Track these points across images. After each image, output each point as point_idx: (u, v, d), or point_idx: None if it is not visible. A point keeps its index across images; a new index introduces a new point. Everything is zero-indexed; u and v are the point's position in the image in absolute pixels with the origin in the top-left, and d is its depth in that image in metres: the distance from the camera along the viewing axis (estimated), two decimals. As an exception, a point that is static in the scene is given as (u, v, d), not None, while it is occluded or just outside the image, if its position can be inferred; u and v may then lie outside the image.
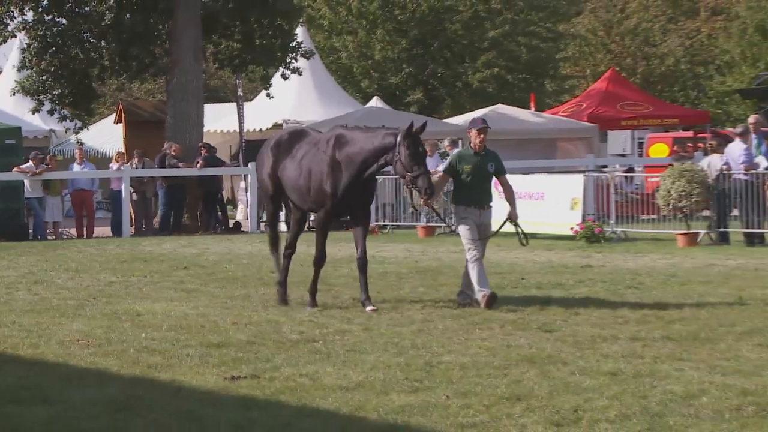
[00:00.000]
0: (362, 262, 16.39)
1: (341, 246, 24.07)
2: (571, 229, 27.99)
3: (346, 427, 9.44)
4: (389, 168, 16.47)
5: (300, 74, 39.50)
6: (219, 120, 43.11)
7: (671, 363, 11.81)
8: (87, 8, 36.55)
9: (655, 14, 62.73)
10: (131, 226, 34.92)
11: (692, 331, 13.82)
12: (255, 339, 13.77)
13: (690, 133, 43.98)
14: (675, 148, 39.37)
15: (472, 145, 16.37)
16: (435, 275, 20.93)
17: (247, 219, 36.71)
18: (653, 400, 10.10)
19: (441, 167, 32.00)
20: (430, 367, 11.87)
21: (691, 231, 26.87)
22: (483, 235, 16.37)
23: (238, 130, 40.08)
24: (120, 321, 15.43)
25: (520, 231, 16.81)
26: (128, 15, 36.16)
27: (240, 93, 40.76)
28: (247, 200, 37.18)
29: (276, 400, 10.57)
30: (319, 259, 16.86)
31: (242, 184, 38.09)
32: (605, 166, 36.41)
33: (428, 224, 32.25)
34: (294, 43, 38.89)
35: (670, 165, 29.41)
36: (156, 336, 14.12)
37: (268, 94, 39.80)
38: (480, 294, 15.89)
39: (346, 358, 12.48)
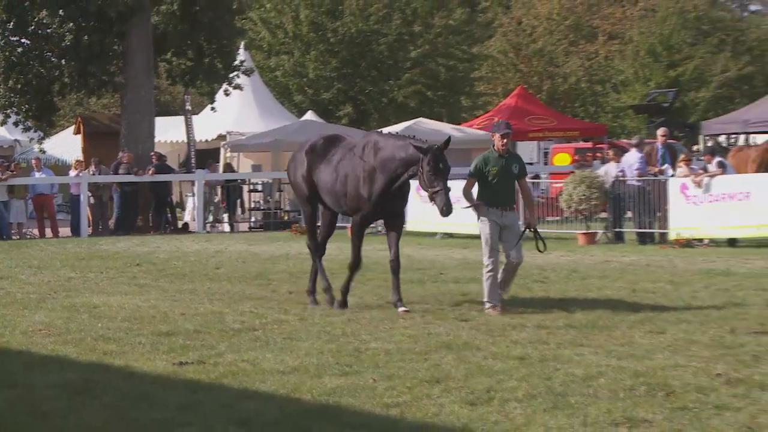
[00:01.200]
0: (395, 264, 15.34)
1: (278, 244, 23.69)
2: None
3: (283, 408, 9.40)
4: None
5: (241, 90, 39.48)
6: (169, 131, 42.97)
7: (573, 348, 11.87)
8: (48, 30, 36.42)
9: (558, 38, 63.08)
10: (89, 227, 34.83)
11: (591, 319, 13.89)
12: (201, 328, 13.72)
13: (589, 144, 44.27)
14: (576, 157, 39.65)
15: (495, 148, 15.30)
16: (363, 271, 20.79)
17: (194, 220, 36.68)
18: (557, 381, 10.14)
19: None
20: (358, 353, 11.87)
21: (590, 231, 27.07)
22: (508, 237, 15.16)
23: (186, 141, 40.00)
24: (78, 312, 15.32)
25: (538, 238, 15.58)
26: (86, 36, 36.06)
27: (188, 107, 40.72)
28: (194, 203, 37.12)
29: (220, 383, 10.53)
30: (355, 264, 15.85)
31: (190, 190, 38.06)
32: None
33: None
34: (236, 62, 38.89)
35: (572, 172, 29.59)
36: (111, 326, 14.04)
37: (212, 108, 39.73)
38: (488, 305, 14.89)
39: (283, 345, 12.45)
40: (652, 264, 21.17)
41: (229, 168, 39.85)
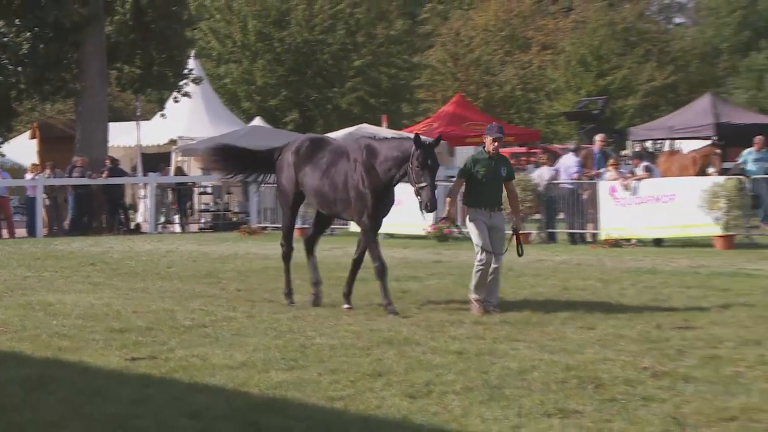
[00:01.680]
0: (358, 262, 15.30)
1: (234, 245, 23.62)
2: (424, 230, 28.14)
3: (231, 401, 9.38)
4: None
5: (190, 97, 39.40)
6: (121, 136, 42.77)
7: (508, 343, 11.90)
8: (6, 39, 36.21)
9: (494, 48, 63.36)
10: (44, 228, 34.58)
11: (525, 316, 13.93)
12: (153, 325, 13.63)
13: (524, 149, 44.45)
14: (511, 162, 39.73)
15: (486, 149, 14.84)
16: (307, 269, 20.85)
17: (146, 221, 36.54)
18: (493, 374, 10.16)
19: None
20: (304, 348, 11.85)
21: (524, 231, 27.13)
22: (494, 239, 14.58)
23: (137, 145, 39.94)
24: (34, 310, 15.18)
25: (519, 242, 14.95)
26: (42, 45, 35.91)
27: (139, 113, 40.68)
28: (146, 205, 36.99)
29: (171, 377, 10.48)
30: (380, 269, 14.80)
31: (142, 192, 37.91)
32: (453, 176, 36.52)
33: (304, 226, 32.19)
34: (186, 71, 38.82)
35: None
36: (66, 323, 13.92)
37: (162, 115, 39.64)
38: (473, 297, 14.46)
39: (231, 341, 12.41)
40: (582, 263, 21.28)
41: (180, 172, 39.75)
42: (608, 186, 26.14)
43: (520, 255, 14.98)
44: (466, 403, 9.10)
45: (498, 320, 13.60)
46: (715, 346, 11.49)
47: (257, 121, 43.74)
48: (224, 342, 12.35)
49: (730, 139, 38.10)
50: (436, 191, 14.48)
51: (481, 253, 14.49)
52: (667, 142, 44.46)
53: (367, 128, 41.60)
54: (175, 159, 40.82)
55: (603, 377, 9.97)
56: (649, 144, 46.99)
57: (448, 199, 15.34)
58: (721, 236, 24.04)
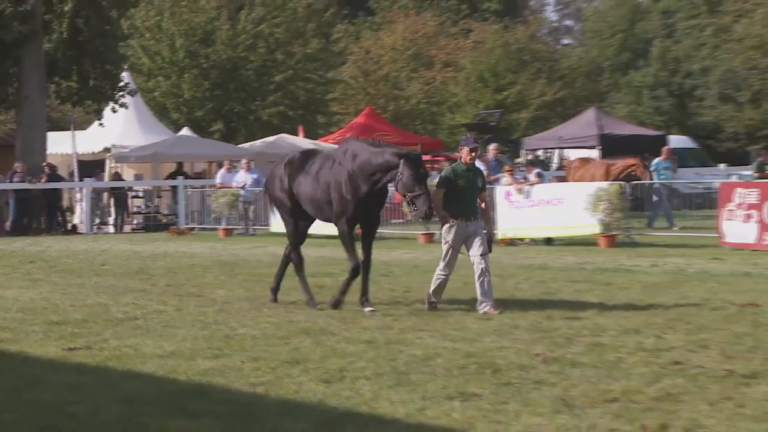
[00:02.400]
0: (366, 265, 14.24)
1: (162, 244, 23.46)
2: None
3: (161, 387, 9.31)
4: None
5: (126, 108, 39.12)
6: (59, 145, 42.23)
7: (414, 333, 11.94)
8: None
9: (401, 66, 63.51)
10: (-13, 229, 34.18)
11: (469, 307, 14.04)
12: (88, 318, 13.51)
13: (428, 157, 44.55)
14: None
15: (463, 161, 14.00)
16: (233, 267, 20.82)
17: (82, 223, 36.18)
18: (400, 361, 10.19)
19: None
20: (228, 338, 11.80)
21: (429, 232, 27.24)
22: (473, 242, 13.82)
23: (74, 153, 39.58)
24: (-22, 305, 15.00)
25: (490, 243, 14.07)
26: (-17, 60, 35.57)
27: (74, 124, 40.37)
28: (82, 208, 36.64)
29: (105, 366, 10.39)
30: (356, 268, 14.17)
31: (78, 196, 37.53)
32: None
33: (228, 227, 32.10)
34: (122, 84, 38.54)
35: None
36: (7, 316, 13.76)
37: (100, 124, 39.33)
38: (430, 299, 13.89)
39: (161, 332, 12.32)
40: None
41: (117, 176, 39.44)
42: (504, 191, 26.35)
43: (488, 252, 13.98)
44: (376, 387, 9.11)
45: (405, 312, 13.65)
46: (598, 335, 11.61)
47: (185, 131, 43.48)
48: (154, 333, 12.26)
49: (612, 149, 38.52)
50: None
51: (446, 268, 13.94)
52: (557, 151, 44.88)
53: (286, 138, 41.65)
54: (109, 165, 40.44)
55: (499, 363, 10.03)
56: (540, 153, 47.43)
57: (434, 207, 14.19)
58: (604, 236, 24.30)
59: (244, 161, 33.93)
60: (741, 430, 7.56)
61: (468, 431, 7.75)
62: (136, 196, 38.59)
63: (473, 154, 14.06)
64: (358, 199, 14.03)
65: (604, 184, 25.40)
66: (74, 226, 36.67)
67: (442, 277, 13.91)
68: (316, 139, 45.55)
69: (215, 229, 32.54)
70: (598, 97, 64.27)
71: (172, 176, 37.76)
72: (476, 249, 13.76)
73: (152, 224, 36.51)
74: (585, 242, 24.78)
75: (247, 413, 8.35)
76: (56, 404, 8.67)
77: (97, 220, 37.00)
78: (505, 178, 26.86)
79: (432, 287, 13.94)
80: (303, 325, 12.59)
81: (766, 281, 16.66)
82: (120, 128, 40.38)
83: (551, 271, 18.88)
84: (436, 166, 38.37)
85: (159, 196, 38.33)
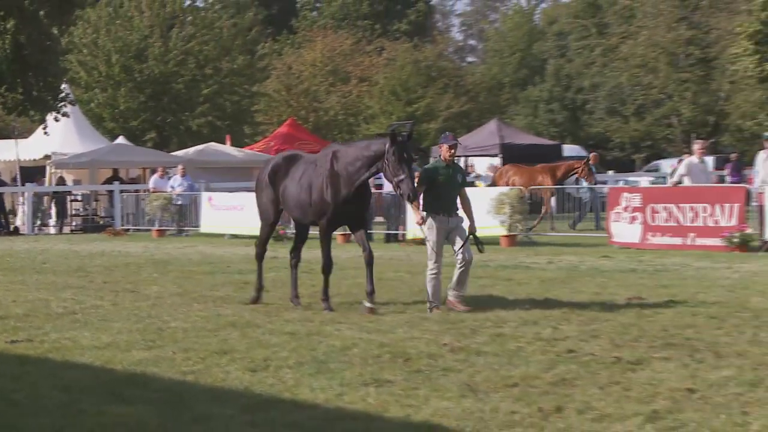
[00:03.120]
0: (368, 256, 13.16)
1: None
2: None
3: (98, 376, 9.20)
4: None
5: (69, 117, 38.62)
6: (2, 152, 41.57)
7: (333, 325, 11.91)
8: None
9: (320, 80, 63.50)
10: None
11: (347, 302, 13.98)
12: (30, 312, 13.30)
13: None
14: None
15: (442, 158, 13.29)
16: (165, 265, 20.63)
17: (24, 224, 35.70)
18: (320, 351, 10.16)
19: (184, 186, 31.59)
20: (161, 331, 11.69)
21: (346, 232, 27.20)
22: (455, 237, 13.14)
23: (16, 159, 39.02)
24: (-75, 301, 14.70)
25: (478, 242, 13.29)
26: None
27: (17, 133, 39.85)
28: (24, 211, 36.16)
29: (46, 357, 10.24)
30: (327, 266, 13.53)
31: (21, 199, 37.04)
32: (286, 187, 36.38)
33: (161, 228, 31.83)
34: (62, 95, 38.06)
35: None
36: (-47, 312, 13.52)
37: (45, 133, 38.78)
38: (432, 305, 12.96)
39: (99, 325, 12.17)
40: (394, 258, 21.43)
41: (61, 181, 38.97)
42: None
43: (481, 252, 13.39)
44: (297, 375, 9.08)
45: (324, 306, 13.59)
46: (500, 326, 11.67)
47: (120, 140, 43.05)
48: (92, 326, 12.11)
49: (512, 157, 38.85)
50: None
51: (434, 263, 13.05)
52: (462, 159, 45.05)
53: (214, 146, 41.46)
54: (50, 171, 39.89)
55: (411, 352, 10.04)
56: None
57: (414, 205, 13.73)
58: (505, 236, 24.46)
59: (179, 168, 33.71)
60: (627, 411, 7.64)
61: (382, 414, 7.75)
62: (75, 200, 38.12)
63: (452, 151, 13.28)
64: (337, 201, 13.18)
65: (506, 189, 25.56)
66: (16, 228, 36.14)
67: (434, 275, 13.08)
68: (242, 147, 45.38)
69: (149, 230, 32.25)
70: (499, 110, 64.81)
71: (108, 181, 37.38)
72: (459, 243, 13.09)
73: (90, 226, 36.09)
74: (488, 241, 24.92)
75: (179, 400, 8.27)
76: (0, 392, 8.53)
77: (38, 222, 36.49)
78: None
79: (429, 291, 13.12)
80: (230, 319, 12.51)
81: (650, 277, 16.89)
82: (60, 137, 39.84)
83: (453, 269, 18.95)
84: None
85: (96, 200, 37.93)
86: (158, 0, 49.90)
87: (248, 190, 32.60)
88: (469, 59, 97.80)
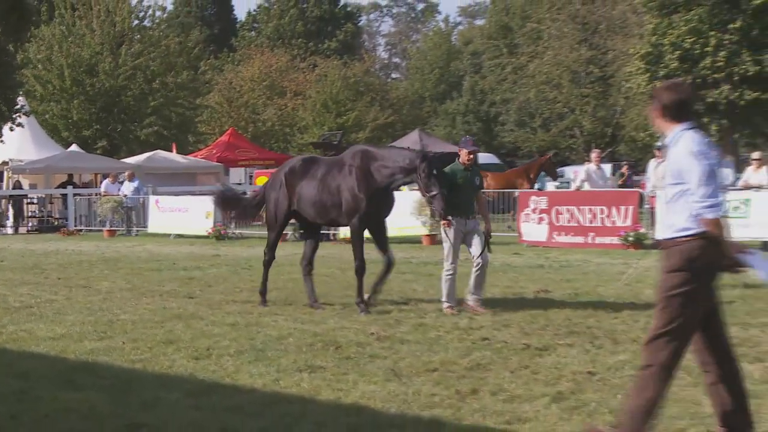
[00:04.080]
0: (388, 265, 12.62)
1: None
2: (207, 231, 27.89)
3: (53, 365, 9.07)
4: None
5: (23, 127, 37.98)
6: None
7: (270, 317, 11.87)
8: None
9: (258, 94, 63.23)
10: None
11: (283, 296, 13.94)
12: (-11, 307, 13.09)
13: (281, 170, 44.41)
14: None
15: (461, 161, 12.37)
16: (115, 262, 20.38)
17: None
18: (258, 341, 10.12)
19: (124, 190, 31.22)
20: (111, 323, 11.56)
21: (283, 232, 27.04)
22: (472, 240, 12.27)
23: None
24: None
25: (488, 242, 12.37)
26: None
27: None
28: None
29: (3, 348, 10.08)
30: (360, 268, 12.59)
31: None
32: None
33: (111, 228, 31.44)
34: (18, 106, 37.42)
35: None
36: None
37: (1, 141, 38.09)
38: (446, 305, 12.06)
39: (53, 318, 12.00)
40: (327, 255, 21.34)
41: (18, 185, 38.32)
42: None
43: (489, 252, 12.40)
44: (237, 362, 9.03)
45: (262, 299, 13.52)
46: (422, 317, 11.71)
47: (74, 147, 42.39)
48: (47, 319, 11.94)
49: (434, 164, 38.98)
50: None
51: (450, 264, 12.18)
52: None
53: (161, 153, 41.08)
54: (7, 176, 39.19)
55: (341, 341, 10.04)
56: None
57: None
58: (427, 235, 24.53)
59: (128, 173, 33.37)
60: (536, 393, 7.71)
61: (315, 397, 7.74)
62: (31, 203, 37.51)
63: (471, 156, 12.40)
64: (369, 197, 12.29)
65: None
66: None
67: (450, 275, 12.15)
68: (187, 154, 45.03)
69: (100, 231, 31.84)
70: (421, 122, 65.09)
71: (62, 185, 36.85)
72: (476, 247, 12.23)
73: (45, 226, 35.51)
74: (411, 240, 24.99)
75: (128, 386, 8.19)
76: (-40, 381, 8.38)
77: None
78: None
79: (444, 291, 12.18)
80: (176, 311, 12.40)
81: (555, 272, 17.04)
82: (17, 144, 39.15)
83: (382, 265, 18.96)
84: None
85: (51, 203, 37.37)
86: (108, 19, 49.26)
87: (192, 193, 32.42)
88: (394, 75, 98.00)
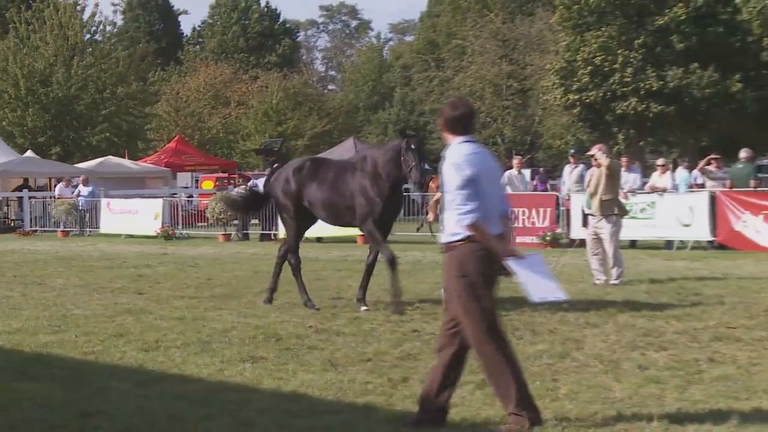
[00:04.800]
0: (371, 267, 12.15)
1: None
2: (155, 231, 27.65)
3: (9, 357, 8.93)
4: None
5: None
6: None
7: (215, 311, 11.79)
8: None
9: (204, 104, 62.77)
10: None
11: (227, 291, 13.86)
12: (-52, 303, 12.81)
13: (226, 175, 44.08)
14: (217, 183, 39.39)
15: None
16: (69, 261, 20.07)
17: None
18: (204, 334, 10.05)
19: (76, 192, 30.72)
20: (65, 317, 11.39)
21: (227, 232, 26.95)
22: None
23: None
24: None
25: None
26: None
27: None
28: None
29: (-38, 342, 9.88)
30: (391, 261, 11.69)
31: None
32: (175, 194, 35.89)
33: (65, 229, 30.97)
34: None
35: (214, 193, 29.53)
36: None
37: (-40, 148, 37.41)
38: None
39: (9, 313, 11.80)
40: (268, 254, 21.23)
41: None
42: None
43: None
44: (184, 354, 8.96)
45: (208, 294, 13.41)
46: (357, 311, 11.72)
47: (29, 153, 41.66)
48: (3, 314, 11.73)
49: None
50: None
51: None
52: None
53: (111, 159, 40.57)
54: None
55: (282, 333, 10.01)
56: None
57: (431, 205, 12.09)
58: (361, 235, 24.47)
59: (82, 177, 32.91)
60: (462, 380, 7.72)
61: (257, 386, 7.70)
62: (-12, 205, 36.86)
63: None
64: (383, 200, 11.68)
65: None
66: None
67: None
68: (137, 160, 44.55)
69: (55, 231, 31.35)
70: (355, 130, 65.08)
71: (18, 189, 36.20)
72: None
73: (2, 227, 34.86)
74: (347, 240, 25.01)
75: (81, 376, 8.08)
76: None
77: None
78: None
79: None
80: (126, 306, 12.25)
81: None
82: (-26, 149, 38.50)
83: (321, 262, 18.98)
84: (231, 182, 38.03)
85: (8, 205, 36.72)
86: (61, 33, 48.51)
87: (142, 196, 32.08)
88: (330, 87, 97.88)
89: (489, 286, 6.35)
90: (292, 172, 12.53)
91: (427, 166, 11.68)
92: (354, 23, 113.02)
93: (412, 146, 11.36)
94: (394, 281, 11.58)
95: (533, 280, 6.31)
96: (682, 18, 38.98)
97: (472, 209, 6.19)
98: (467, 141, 6.43)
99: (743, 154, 21.44)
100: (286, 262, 12.68)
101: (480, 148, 6.48)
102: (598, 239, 14.24)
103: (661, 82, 38.81)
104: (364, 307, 11.70)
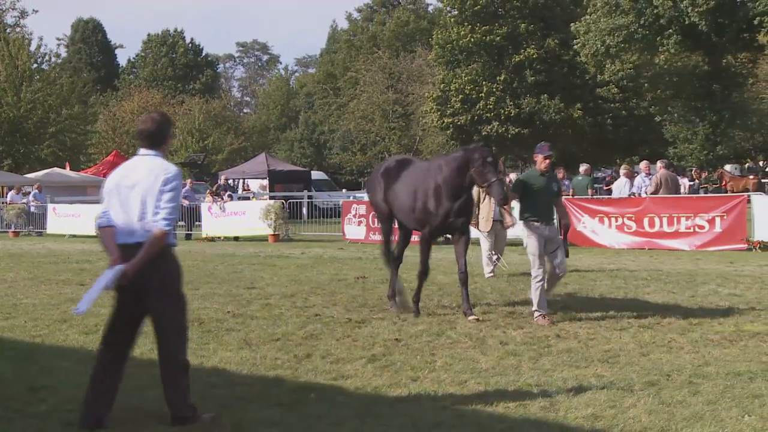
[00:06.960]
0: (464, 276, 9.70)
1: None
2: (96, 231, 26.79)
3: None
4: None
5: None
6: None
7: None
8: None
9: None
10: None
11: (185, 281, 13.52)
12: None
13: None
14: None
15: (537, 167, 9.67)
16: (19, 257, 19.33)
17: None
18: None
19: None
20: (15, 306, 10.98)
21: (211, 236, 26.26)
22: (551, 247, 9.58)
23: None
24: None
25: (566, 245, 10.03)
26: None
27: None
28: None
29: None
30: (423, 272, 10.03)
31: None
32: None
33: (16, 230, 29.85)
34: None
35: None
36: None
37: None
38: (537, 314, 9.34)
39: (-35, 304, 11.29)
40: (192, 251, 20.87)
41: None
42: (207, 206, 25.90)
43: (566, 256, 9.93)
44: (120, 337, 8.71)
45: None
46: (268, 299, 11.62)
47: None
48: (-40, 305, 11.21)
49: (276, 179, 38.88)
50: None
51: (537, 269, 9.47)
52: (240, 180, 44.43)
53: (57, 170, 39.42)
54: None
55: (204, 318, 9.84)
56: (231, 181, 46.88)
57: (505, 208, 11.40)
58: (272, 235, 24.33)
59: (36, 185, 32.00)
60: (355, 356, 7.76)
61: (183, 363, 7.53)
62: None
63: (547, 161, 9.65)
64: (440, 213, 9.81)
65: (271, 201, 25.40)
66: None
67: (539, 281, 9.45)
68: (79, 171, 43.28)
69: (6, 232, 30.19)
70: (266, 146, 64.55)
71: (-26, 196, 34.80)
72: (556, 258, 9.67)
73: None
74: (260, 239, 24.76)
75: (29, 356, 7.80)
76: None
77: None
78: (208, 197, 26.43)
79: (535, 300, 9.45)
80: (70, 296, 11.86)
81: (371, 262, 17.19)
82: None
83: (238, 258, 18.73)
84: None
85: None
86: (11, 63, 46.90)
87: (83, 202, 31.14)
88: (245, 110, 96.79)
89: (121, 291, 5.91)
90: (380, 175, 10.74)
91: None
92: (265, 57, 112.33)
93: (489, 159, 9.50)
94: (418, 288, 10.20)
95: (92, 292, 5.87)
96: (534, 57, 40.40)
97: (101, 216, 6.00)
98: (150, 155, 5.94)
99: (582, 168, 22.11)
100: (400, 263, 11.00)
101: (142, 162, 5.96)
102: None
103: (518, 109, 39.93)
104: (472, 317, 9.56)
